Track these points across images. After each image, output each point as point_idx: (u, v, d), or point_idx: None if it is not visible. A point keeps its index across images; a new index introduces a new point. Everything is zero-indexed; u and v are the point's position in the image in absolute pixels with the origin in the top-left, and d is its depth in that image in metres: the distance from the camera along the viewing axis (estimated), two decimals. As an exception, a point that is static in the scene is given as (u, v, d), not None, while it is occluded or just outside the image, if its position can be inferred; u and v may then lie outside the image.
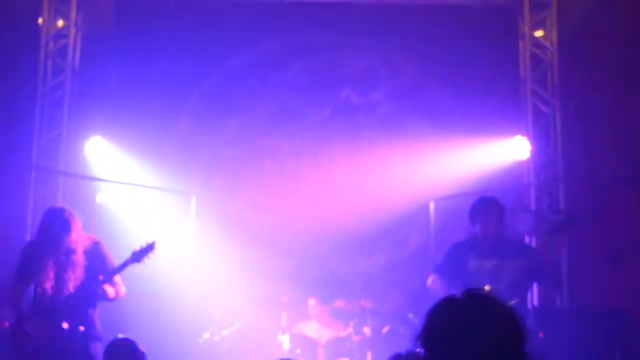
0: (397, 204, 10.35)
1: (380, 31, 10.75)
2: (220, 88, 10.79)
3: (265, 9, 10.57)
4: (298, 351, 9.16)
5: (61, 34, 10.47)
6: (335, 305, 9.77)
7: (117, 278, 7.37)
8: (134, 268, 7.43)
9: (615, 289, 7.50)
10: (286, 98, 10.79)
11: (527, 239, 9.58)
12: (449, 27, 10.43)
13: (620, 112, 9.84)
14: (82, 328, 7.19)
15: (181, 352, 9.13)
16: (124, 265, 7.29)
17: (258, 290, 9.83)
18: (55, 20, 10.52)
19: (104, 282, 7.22)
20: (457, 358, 2.71)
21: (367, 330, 9.26)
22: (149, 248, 7.36)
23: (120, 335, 6.66)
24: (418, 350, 2.85)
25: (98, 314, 7.38)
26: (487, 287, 7.07)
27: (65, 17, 10.46)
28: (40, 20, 10.46)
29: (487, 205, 7.49)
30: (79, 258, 7.26)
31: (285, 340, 9.24)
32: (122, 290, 7.41)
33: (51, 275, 7.18)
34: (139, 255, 7.33)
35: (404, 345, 8.60)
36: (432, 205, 9.84)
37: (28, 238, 9.02)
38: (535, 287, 8.83)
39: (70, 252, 7.26)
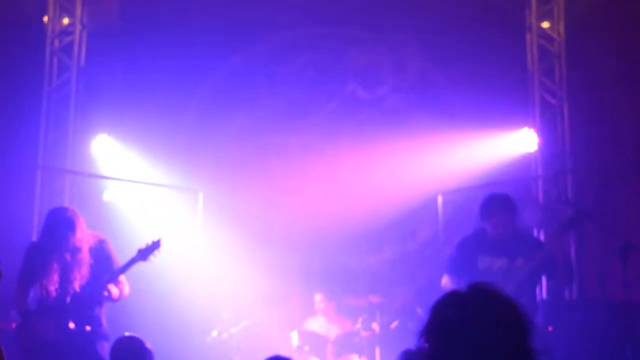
0: (404, 198, 10.32)
1: (386, 25, 10.72)
2: (226, 84, 10.78)
3: (270, 4, 10.55)
4: (307, 348, 9.15)
5: (66, 32, 10.46)
6: (344, 301, 9.76)
7: (122, 277, 7.35)
8: (141, 266, 7.42)
9: (625, 282, 7.44)
10: (292, 93, 10.78)
11: (535, 232, 9.55)
12: (455, 19, 10.39)
13: (628, 103, 9.78)
14: (88, 327, 7.19)
15: (189, 350, 9.12)
16: (130, 263, 7.28)
17: (266, 287, 9.82)
18: (60, 18, 10.51)
19: (110, 281, 7.21)
20: (461, 353, 2.69)
21: (375, 325, 9.24)
22: (155, 246, 7.35)
23: (127, 333, 6.65)
24: (423, 345, 2.83)
25: (104, 313, 7.37)
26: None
27: (71, 15, 10.44)
28: (45, 18, 10.46)
29: (499, 205, 7.32)
30: (84, 256, 7.25)
31: (293, 337, 9.23)
32: (126, 289, 7.40)
33: (56, 275, 7.17)
34: (145, 253, 7.32)
35: (413, 340, 8.59)
36: (440, 199, 9.80)
37: (34, 238, 9.01)
38: (544, 280, 8.77)
39: (75, 251, 7.25)
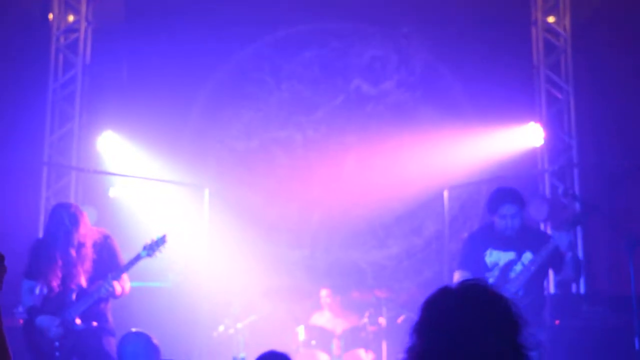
0: (410, 192, 10.32)
1: (391, 20, 10.71)
2: (232, 80, 10.78)
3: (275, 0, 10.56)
4: (313, 342, 9.15)
5: (72, 29, 10.48)
6: (350, 296, 9.76)
7: (123, 275, 7.34)
8: (147, 262, 7.42)
9: (632, 275, 7.43)
10: (298, 89, 10.77)
11: (541, 226, 9.54)
12: (460, 14, 10.38)
13: (634, 97, 9.76)
14: (95, 323, 7.19)
15: (196, 345, 9.13)
16: (136, 259, 7.29)
17: (272, 282, 9.82)
18: (65, 15, 10.54)
19: (115, 277, 7.21)
20: (452, 349, 2.69)
21: (382, 320, 9.24)
22: (160, 241, 7.36)
23: (134, 329, 6.66)
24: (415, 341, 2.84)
25: (110, 309, 7.38)
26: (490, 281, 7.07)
27: (76, 12, 10.46)
28: (50, 16, 10.48)
29: (506, 196, 7.28)
30: (88, 252, 7.26)
31: (300, 332, 9.23)
32: (127, 286, 7.39)
33: (59, 271, 7.18)
34: (151, 248, 7.32)
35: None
36: (446, 194, 9.78)
37: (40, 235, 9.02)
38: (551, 274, 8.76)
39: (79, 246, 7.26)
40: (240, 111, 10.78)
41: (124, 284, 7.34)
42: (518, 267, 7.04)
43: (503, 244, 7.17)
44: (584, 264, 9.53)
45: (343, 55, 10.81)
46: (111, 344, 7.16)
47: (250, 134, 10.78)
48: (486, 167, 9.94)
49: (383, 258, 10.55)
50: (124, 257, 7.41)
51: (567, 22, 10.27)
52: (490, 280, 7.05)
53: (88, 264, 7.25)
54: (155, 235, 7.40)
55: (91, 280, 7.23)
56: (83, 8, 10.42)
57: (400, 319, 9.35)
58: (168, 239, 7.39)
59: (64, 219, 7.28)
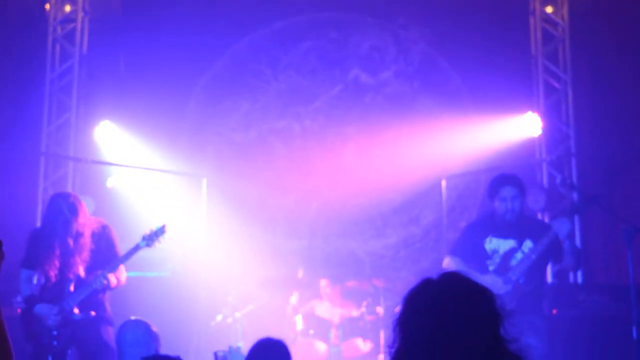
0: (408, 182, 10.32)
1: (389, 10, 10.70)
2: (230, 70, 10.77)
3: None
4: (311, 331, 9.17)
5: (69, 19, 10.47)
6: (348, 285, 9.77)
7: (121, 265, 7.34)
8: (146, 252, 7.42)
9: (631, 266, 7.43)
10: (296, 79, 10.76)
11: (539, 216, 9.55)
12: (458, 3, 10.36)
13: (632, 87, 9.76)
14: (93, 313, 7.19)
15: (194, 334, 9.14)
16: (135, 249, 7.29)
17: (270, 272, 9.82)
18: (62, 5, 10.53)
19: (113, 269, 7.21)
20: (432, 341, 2.69)
21: (379, 309, 9.26)
22: (160, 232, 7.36)
23: (133, 317, 6.66)
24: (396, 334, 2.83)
25: (108, 299, 7.38)
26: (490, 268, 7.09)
27: (72, 2, 10.46)
28: (47, 6, 10.46)
29: (506, 180, 7.33)
30: (87, 241, 7.26)
31: (298, 321, 9.24)
32: (123, 277, 7.38)
33: (57, 260, 7.17)
34: (150, 239, 7.33)
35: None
36: (444, 183, 9.79)
37: (38, 225, 9.02)
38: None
39: (77, 235, 7.25)
40: (238, 102, 10.77)
41: (119, 275, 7.34)
42: (519, 255, 7.05)
43: (503, 232, 7.19)
44: (582, 253, 9.54)
45: (341, 46, 10.80)
46: (109, 333, 7.16)
47: (248, 124, 10.77)
48: (484, 156, 9.94)
49: (381, 247, 10.55)
50: (122, 247, 7.41)
51: (565, 11, 10.27)
52: (490, 268, 7.10)
53: (86, 254, 7.24)
54: (154, 226, 7.40)
55: (89, 270, 7.22)
56: (80, -2, 10.42)
57: (397, 309, 9.34)
58: (167, 229, 7.40)
59: (63, 209, 7.28)
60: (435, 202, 10.12)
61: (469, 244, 7.32)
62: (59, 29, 10.46)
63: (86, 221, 7.35)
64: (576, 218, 9.59)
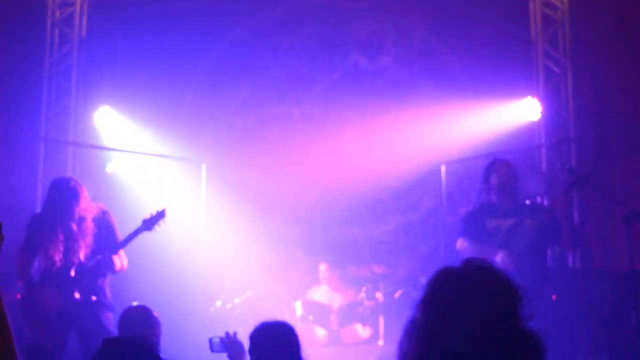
0: (407, 168, 10.32)
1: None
2: (229, 55, 10.74)
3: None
4: (311, 317, 9.19)
5: (67, 3, 10.41)
6: (347, 271, 9.78)
7: (121, 251, 7.35)
8: (146, 237, 7.43)
9: (629, 250, 7.45)
10: (295, 64, 10.74)
11: (539, 200, 9.56)
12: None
13: (632, 71, 9.74)
14: (94, 297, 7.21)
15: (193, 320, 9.15)
16: (135, 233, 7.30)
17: (269, 257, 9.83)
18: (61, -11, 10.47)
19: (114, 252, 7.22)
20: (455, 327, 2.70)
21: (379, 295, 9.28)
22: (160, 216, 7.37)
23: (134, 303, 6.67)
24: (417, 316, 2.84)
25: (108, 284, 7.39)
26: (499, 257, 7.18)
27: (71, -14, 10.41)
28: (45, -11, 10.41)
29: (501, 163, 7.65)
30: (89, 225, 7.28)
31: (297, 307, 9.26)
32: (125, 262, 7.40)
33: (61, 245, 7.19)
34: (150, 223, 7.34)
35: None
36: (443, 169, 9.79)
37: (38, 210, 9.02)
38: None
39: (80, 220, 7.27)
40: (237, 87, 10.75)
41: (122, 260, 7.35)
42: (520, 231, 7.32)
43: (503, 214, 7.46)
44: (581, 236, 9.57)
45: (340, 31, 10.77)
46: (109, 319, 7.18)
47: (247, 109, 10.75)
48: (483, 142, 9.94)
49: (380, 233, 10.56)
50: (122, 231, 7.41)
51: (565, -5, 10.24)
52: (494, 245, 7.37)
53: (89, 238, 7.26)
54: (154, 210, 7.41)
55: (90, 255, 7.24)
56: (78, -18, 10.37)
57: (397, 294, 9.38)
58: (167, 213, 7.40)
59: (65, 193, 7.29)
60: (435, 187, 10.13)
61: (473, 225, 7.57)
62: (57, 13, 10.41)
63: (88, 206, 7.37)
64: (574, 197, 9.62)
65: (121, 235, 7.39)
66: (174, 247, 9.61)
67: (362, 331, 9.19)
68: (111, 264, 7.22)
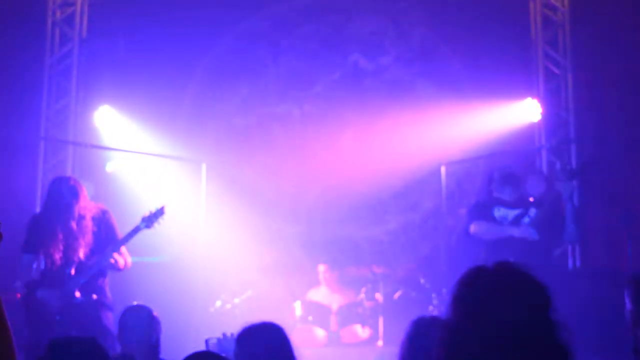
0: (407, 168, 10.31)
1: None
2: (229, 55, 10.74)
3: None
4: (310, 318, 9.19)
5: (68, 2, 10.42)
6: (347, 271, 9.78)
7: (123, 249, 7.35)
8: (146, 237, 7.43)
9: (628, 251, 7.46)
10: (295, 64, 10.74)
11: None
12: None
13: (632, 72, 9.74)
14: (95, 296, 7.21)
15: (193, 320, 9.15)
16: (135, 231, 7.30)
17: (269, 257, 9.83)
18: (61, -12, 10.47)
19: (114, 250, 7.23)
20: (487, 327, 2.68)
21: (378, 296, 9.28)
22: (159, 213, 7.38)
23: (134, 303, 6.67)
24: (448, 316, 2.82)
25: (108, 284, 7.39)
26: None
27: (72, -15, 10.41)
28: (46, -11, 10.41)
29: (504, 165, 7.88)
30: (88, 224, 7.28)
31: (297, 307, 9.26)
32: (129, 260, 7.41)
33: (60, 244, 7.19)
34: (149, 220, 7.35)
35: (416, 310, 8.62)
36: (443, 169, 9.78)
37: (38, 209, 9.02)
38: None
39: (80, 218, 7.28)
40: (237, 86, 10.74)
41: (125, 258, 7.37)
42: (526, 220, 7.50)
43: (509, 205, 7.63)
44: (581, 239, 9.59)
45: (341, 30, 10.77)
46: (109, 319, 7.18)
47: (247, 109, 10.75)
48: (483, 142, 9.94)
49: (380, 234, 10.55)
50: (122, 231, 7.41)
51: (565, -4, 10.24)
52: None
53: (89, 237, 7.27)
54: (153, 207, 7.42)
55: (90, 254, 7.24)
56: (79, -19, 10.37)
57: (397, 295, 9.38)
58: (166, 210, 7.41)
59: (64, 192, 7.30)
60: (435, 188, 10.12)
61: (482, 213, 7.68)
62: (58, 13, 10.41)
63: (87, 204, 7.38)
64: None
65: (122, 234, 7.39)
66: (173, 247, 9.61)
67: (362, 332, 9.19)
68: (112, 261, 7.22)
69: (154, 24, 10.32)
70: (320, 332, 9.12)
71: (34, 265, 7.35)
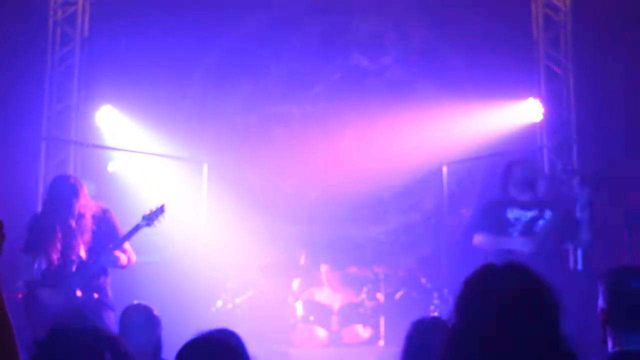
0: (409, 168, 10.32)
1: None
2: (231, 55, 10.74)
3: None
4: (311, 317, 9.19)
5: (69, 2, 10.41)
6: (348, 271, 9.78)
7: (127, 245, 7.38)
8: (146, 236, 7.44)
9: (631, 253, 7.46)
10: (296, 64, 10.74)
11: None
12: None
13: (634, 72, 9.74)
14: (96, 295, 7.22)
15: (194, 320, 9.14)
16: (135, 229, 7.32)
17: (270, 257, 9.83)
18: (63, -12, 10.47)
19: (115, 248, 7.24)
20: (493, 328, 2.67)
21: (380, 295, 9.28)
22: (159, 211, 7.40)
23: (135, 302, 6.67)
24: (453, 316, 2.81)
25: (109, 283, 7.40)
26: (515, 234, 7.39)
27: (73, -15, 10.40)
28: (47, -11, 10.41)
29: (523, 160, 7.90)
30: (88, 223, 7.29)
31: (298, 307, 9.26)
32: (133, 257, 7.43)
33: (58, 243, 7.19)
34: (150, 218, 7.37)
35: (418, 310, 8.63)
36: (444, 169, 9.78)
37: (39, 209, 9.02)
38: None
39: (79, 217, 7.28)
40: (239, 86, 10.75)
41: (129, 255, 7.38)
42: (541, 222, 7.42)
43: (523, 205, 7.53)
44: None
45: (341, 31, 10.77)
46: (110, 318, 7.18)
47: (248, 108, 10.76)
48: (485, 142, 9.93)
49: (381, 233, 10.56)
50: (123, 230, 7.42)
51: (567, -3, 10.24)
52: (515, 234, 7.45)
53: (87, 235, 7.27)
54: (154, 205, 7.43)
55: (90, 252, 7.24)
56: (80, -19, 10.37)
57: (398, 295, 9.39)
58: (167, 208, 7.42)
59: (64, 190, 7.30)
60: (436, 188, 10.11)
61: (491, 216, 7.61)
62: (59, 13, 10.40)
63: (87, 202, 7.38)
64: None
65: (123, 232, 7.40)
66: (174, 246, 9.61)
67: (363, 332, 9.20)
68: (114, 259, 7.23)
69: (155, 24, 10.32)
70: (321, 332, 9.13)
71: (35, 265, 7.35)
